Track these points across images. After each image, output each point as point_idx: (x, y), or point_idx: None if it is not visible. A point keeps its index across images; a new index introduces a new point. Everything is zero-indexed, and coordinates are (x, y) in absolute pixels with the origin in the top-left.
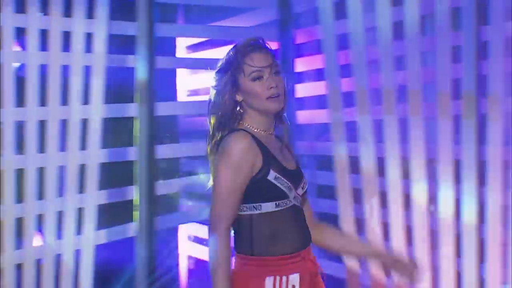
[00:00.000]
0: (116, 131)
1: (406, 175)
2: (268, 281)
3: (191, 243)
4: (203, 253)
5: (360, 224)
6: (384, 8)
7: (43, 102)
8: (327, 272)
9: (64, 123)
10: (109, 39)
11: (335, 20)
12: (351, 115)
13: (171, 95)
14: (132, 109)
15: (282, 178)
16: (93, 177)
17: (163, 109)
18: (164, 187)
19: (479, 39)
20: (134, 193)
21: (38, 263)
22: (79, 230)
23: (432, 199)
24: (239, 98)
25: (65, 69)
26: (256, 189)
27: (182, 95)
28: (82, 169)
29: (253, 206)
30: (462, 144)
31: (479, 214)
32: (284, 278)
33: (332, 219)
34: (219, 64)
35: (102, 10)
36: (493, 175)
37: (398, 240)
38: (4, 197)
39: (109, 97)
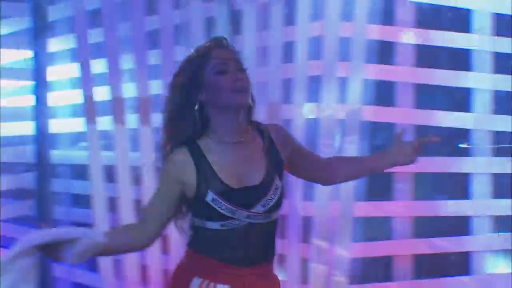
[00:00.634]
0: None
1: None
2: (195, 282)
3: None
4: None
5: None
6: (139, 17)
7: None
8: (82, 282)
9: None
10: None
11: (89, 29)
12: (106, 124)
13: None
14: None
15: (221, 201)
16: None
17: None
18: None
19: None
20: None
21: None
22: None
23: None
24: (201, 97)
25: None
26: (198, 209)
27: None
28: None
29: (199, 221)
30: None
31: None
32: (211, 284)
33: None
34: (179, 65)
35: None
36: None
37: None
38: None
39: None
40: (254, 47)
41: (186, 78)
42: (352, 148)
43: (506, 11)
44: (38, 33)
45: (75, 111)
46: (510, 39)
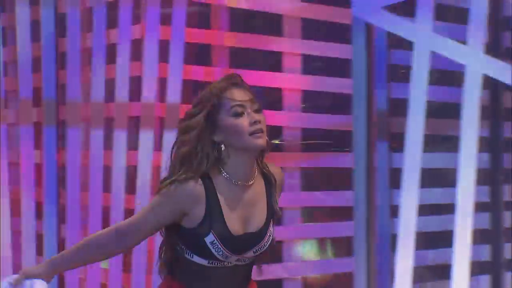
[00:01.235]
0: None
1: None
2: None
3: None
4: None
5: None
6: None
7: None
8: None
9: None
10: None
11: None
12: None
13: None
14: None
15: (220, 246)
16: None
17: None
18: None
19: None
20: None
21: None
22: None
23: None
24: (217, 138)
25: None
26: (191, 243)
27: None
28: None
29: (187, 252)
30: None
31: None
32: None
33: None
34: (192, 105)
35: None
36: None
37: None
38: None
39: None
40: (78, 48)
41: (201, 121)
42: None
43: (315, 16)
44: None
45: None
46: (318, 42)
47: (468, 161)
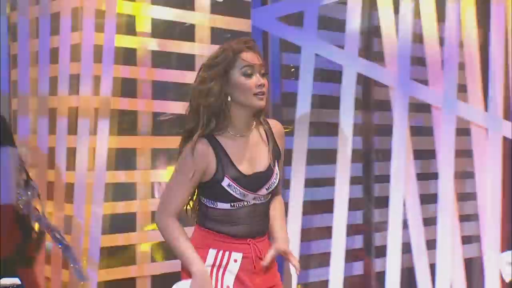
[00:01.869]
0: None
1: None
2: (212, 252)
3: None
4: None
5: None
6: None
7: None
8: None
9: None
10: None
11: None
12: None
13: None
14: None
15: (236, 186)
16: None
17: None
18: None
19: (10, 53)
20: None
21: None
22: None
23: None
24: (226, 89)
25: None
26: (212, 191)
27: None
28: None
29: (211, 202)
30: None
31: None
32: (227, 253)
33: None
34: (209, 59)
35: None
36: None
37: None
38: None
39: None
40: (27, 51)
41: (219, 73)
42: (105, 129)
43: (222, 25)
44: None
45: None
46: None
47: (345, 143)
